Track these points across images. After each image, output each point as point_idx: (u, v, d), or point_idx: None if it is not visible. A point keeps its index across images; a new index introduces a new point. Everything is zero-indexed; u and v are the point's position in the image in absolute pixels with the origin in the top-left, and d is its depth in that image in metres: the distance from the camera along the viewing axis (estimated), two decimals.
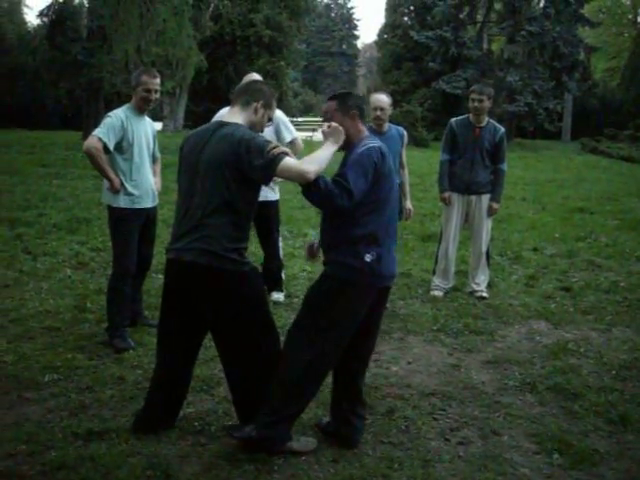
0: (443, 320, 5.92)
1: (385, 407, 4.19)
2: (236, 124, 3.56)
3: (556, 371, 4.81)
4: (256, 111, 3.66)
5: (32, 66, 28.37)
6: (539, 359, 5.09)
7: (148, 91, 5.09)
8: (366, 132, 3.73)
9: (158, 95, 5.25)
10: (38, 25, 30.10)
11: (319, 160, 3.44)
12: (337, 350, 3.54)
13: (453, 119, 6.77)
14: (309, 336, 3.50)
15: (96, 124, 19.85)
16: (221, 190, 3.42)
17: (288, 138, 6.14)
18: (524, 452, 3.69)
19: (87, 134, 20.64)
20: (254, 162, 3.36)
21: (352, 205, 3.38)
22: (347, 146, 3.61)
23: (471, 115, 6.56)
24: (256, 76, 5.95)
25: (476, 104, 6.45)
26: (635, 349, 5.36)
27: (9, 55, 32.04)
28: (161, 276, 6.54)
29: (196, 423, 3.87)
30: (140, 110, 5.18)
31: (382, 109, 5.98)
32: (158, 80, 5.21)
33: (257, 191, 3.61)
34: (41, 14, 20.42)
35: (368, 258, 3.47)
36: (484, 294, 6.63)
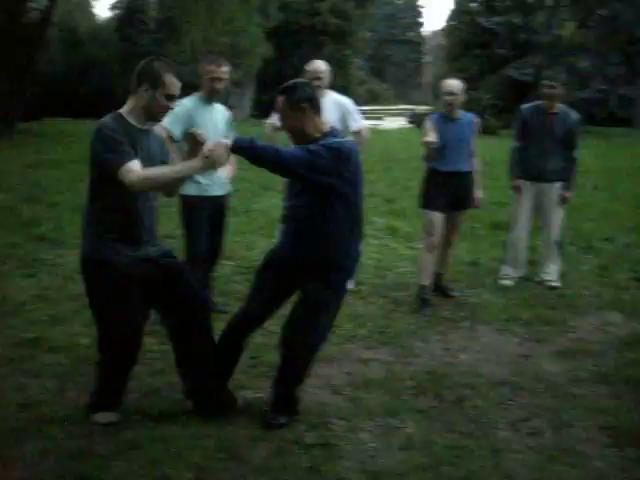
0: (513, 310, 5.84)
1: (454, 396, 4.17)
2: (112, 113, 3.51)
3: (630, 363, 4.71)
4: (144, 94, 3.48)
5: (102, 58, 29.03)
6: (612, 350, 4.98)
7: (214, 80, 5.15)
8: (328, 128, 3.62)
9: (225, 84, 5.28)
10: (108, 18, 30.75)
11: (157, 176, 3.40)
12: None
13: (523, 105, 6.68)
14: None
15: None
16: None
17: (354, 127, 6.11)
18: (597, 445, 3.62)
19: None
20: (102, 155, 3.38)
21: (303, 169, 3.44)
22: (303, 143, 3.54)
23: (543, 102, 6.44)
24: (319, 64, 6.03)
25: (548, 90, 6.35)
26: None
27: (80, 48, 32.82)
28: (230, 262, 6.66)
29: (265, 408, 3.91)
30: (209, 98, 5.24)
31: (452, 93, 5.94)
32: (225, 68, 5.24)
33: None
34: (112, 7, 20.84)
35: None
36: (555, 284, 6.50)
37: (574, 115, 6.53)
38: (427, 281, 6.07)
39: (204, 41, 14.90)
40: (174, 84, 3.53)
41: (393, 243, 8.37)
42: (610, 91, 29.73)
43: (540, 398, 4.17)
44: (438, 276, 6.31)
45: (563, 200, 6.55)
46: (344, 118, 6.06)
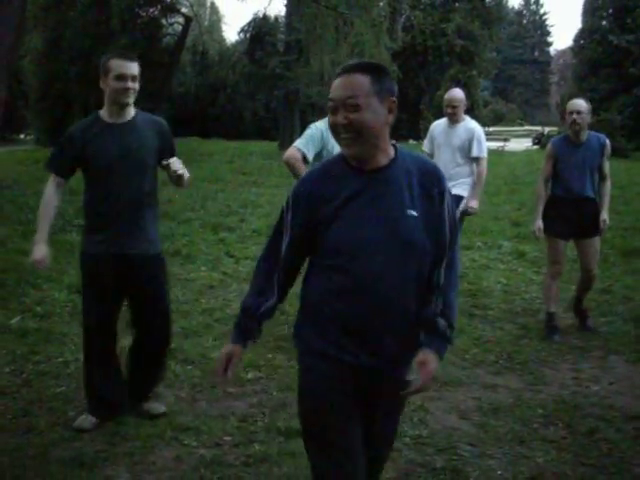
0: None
1: (586, 427, 4.03)
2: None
3: None
4: (104, 87, 3.81)
5: (231, 79, 30.05)
6: None
7: None
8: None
9: None
10: (237, 41, 31.80)
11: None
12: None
13: None
14: None
15: (291, 134, 20.72)
16: None
17: (474, 154, 6.25)
18: None
19: (283, 144, 21.71)
20: None
21: None
22: (369, 161, 2.30)
23: None
24: (455, 92, 6.48)
25: None
26: None
27: (210, 70, 34.13)
28: None
29: None
30: None
31: (579, 112, 5.65)
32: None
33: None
34: (242, 30, 21.57)
35: None
36: None
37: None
38: (554, 308, 5.91)
39: (332, 64, 15.17)
40: (120, 65, 3.77)
41: (520, 267, 8.21)
42: None
43: None
44: (578, 299, 6.14)
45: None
46: (470, 142, 6.26)
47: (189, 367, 4.82)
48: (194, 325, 5.70)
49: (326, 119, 5.27)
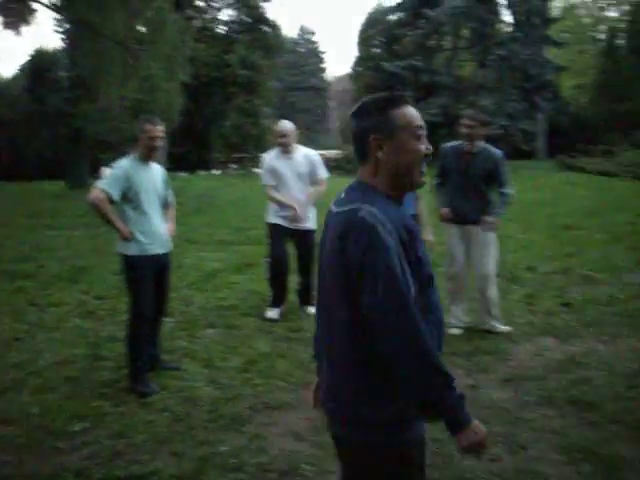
0: (454, 343, 6.04)
1: None
2: None
3: (570, 384, 4.97)
4: None
5: (11, 117, 28.44)
6: (552, 374, 5.23)
7: (152, 139, 5.22)
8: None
9: (163, 142, 5.39)
10: (14, 77, 30.22)
11: None
12: None
13: (444, 145, 6.46)
14: None
15: (80, 173, 19.94)
16: None
17: (322, 175, 7.00)
18: (553, 463, 3.82)
19: (72, 183, 20.92)
20: None
21: None
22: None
23: (463, 142, 6.25)
24: (284, 124, 6.95)
25: (466, 130, 6.16)
26: None
27: None
28: (170, 319, 6.65)
29: (232, 460, 3.96)
30: (146, 158, 5.30)
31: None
32: (161, 127, 5.33)
33: None
34: (22, 68, 20.56)
35: None
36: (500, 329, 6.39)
37: (497, 152, 6.26)
38: None
39: (121, 99, 14.93)
40: None
41: None
42: (512, 126, 31.10)
43: (494, 425, 4.34)
44: None
45: (486, 225, 6.21)
46: (314, 169, 6.93)
47: (10, 427, 4.53)
48: (7, 381, 5.36)
49: (130, 157, 5.26)
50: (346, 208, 2.16)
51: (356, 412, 2.15)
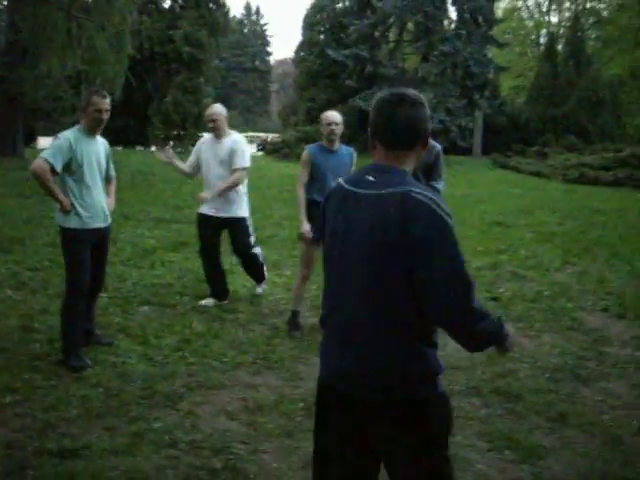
0: None
1: None
2: None
3: (496, 376, 5.16)
4: None
5: None
6: (479, 365, 5.41)
7: (99, 111, 5.16)
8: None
9: (108, 115, 5.32)
10: None
11: None
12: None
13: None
14: None
15: (14, 140, 19.35)
16: None
17: (235, 165, 6.57)
18: (478, 450, 3.99)
19: (4, 150, 20.28)
20: None
21: None
22: None
23: None
24: (215, 108, 6.74)
25: None
26: (564, 353, 5.78)
27: None
28: (104, 294, 6.59)
29: (166, 437, 3.99)
30: (91, 131, 5.24)
31: (336, 124, 6.12)
32: (108, 100, 5.27)
33: None
34: None
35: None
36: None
37: (437, 146, 6.32)
38: (299, 307, 6.32)
39: (62, 68, 14.53)
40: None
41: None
42: (451, 122, 31.60)
43: None
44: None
45: None
46: (232, 156, 6.58)
47: None
48: None
49: (75, 128, 5.20)
50: (391, 190, 2.25)
51: (413, 373, 2.33)
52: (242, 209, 6.81)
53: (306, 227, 6.03)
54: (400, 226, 2.20)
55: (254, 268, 7.19)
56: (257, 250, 7.12)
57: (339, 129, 6.14)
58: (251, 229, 7.00)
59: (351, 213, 2.36)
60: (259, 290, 7.35)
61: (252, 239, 7.02)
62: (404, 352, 2.32)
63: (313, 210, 6.04)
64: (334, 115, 6.19)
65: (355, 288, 2.35)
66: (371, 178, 2.34)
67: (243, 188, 6.79)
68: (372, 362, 2.34)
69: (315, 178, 6.15)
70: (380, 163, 2.38)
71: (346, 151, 6.33)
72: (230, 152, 6.56)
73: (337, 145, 6.24)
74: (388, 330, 2.31)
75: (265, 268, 7.34)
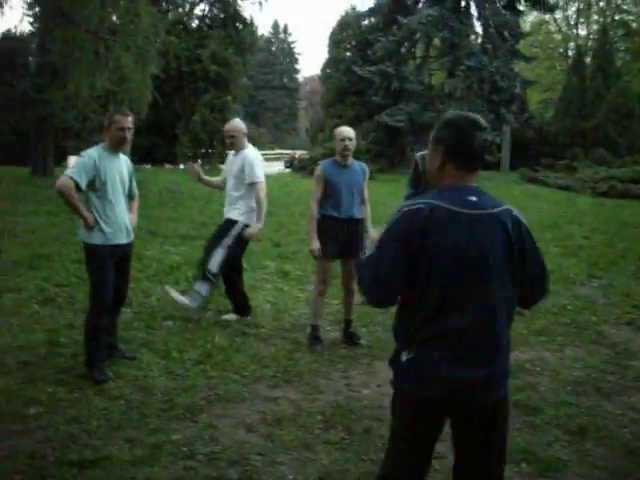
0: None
1: (362, 427, 4.45)
2: None
3: (516, 389, 5.11)
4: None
5: None
6: None
7: (122, 129, 5.28)
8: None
9: (132, 133, 5.44)
10: None
11: None
12: (396, 466, 2.79)
13: (419, 153, 6.57)
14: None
15: (45, 159, 19.66)
16: None
17: (247, 180, 6.65)
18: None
19: (36, 169, 20.67)
20: None
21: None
22: None
23: None
24: (234, 123, 6.91)
25: None
26: (586, 366, 5.75)
27: None
28: (128, 309, 6.68)
29: (184, 448, 4.05)
30: (114, 149, 5.36)
31: (350, 139, 6.14)
32: (131, 118, 5.40)
33: None
34: None
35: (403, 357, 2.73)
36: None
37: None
38: (319, 321, 6.35)
39: (90, 88, 14.81)
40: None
41: (286, 286, 8.62)
42: None
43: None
44: (347, 322, 6.46)
45: None
46: (243, 167, 6.68)
47: None
48: None
49: (99, 146, 5.31)
50: (500, 209, 2.63)
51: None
52: (242, 216, 6.73)
53: (315, 245, 6.12)
54: (517, 237, 2.60)
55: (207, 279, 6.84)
56: (214, 272, 6.77)
57: (352, 144, 6.18)
58: (236, 247, 6.79)
59: (472, 232, 2.57)
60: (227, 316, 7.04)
61: (220, 257, 6.71)
62: (509, 352, 2.70)
63: (328, 225, 6.14)
64: (348, 130, 6.25)
65: (496, 299, 2.59)
66: (474, 199, 2.61)
67: (252, 202, 6.73)
68: (500, 364, 2.63)
69: (329, 194, 6.18)
70: (469, 185, 2.67)
71: (359, 166, 6.38)
72: (241, 166, 6.69)
73: (350, 160, 6.28)
74: (508, 333, 2.67)
75: (208, 289, 6.86)
